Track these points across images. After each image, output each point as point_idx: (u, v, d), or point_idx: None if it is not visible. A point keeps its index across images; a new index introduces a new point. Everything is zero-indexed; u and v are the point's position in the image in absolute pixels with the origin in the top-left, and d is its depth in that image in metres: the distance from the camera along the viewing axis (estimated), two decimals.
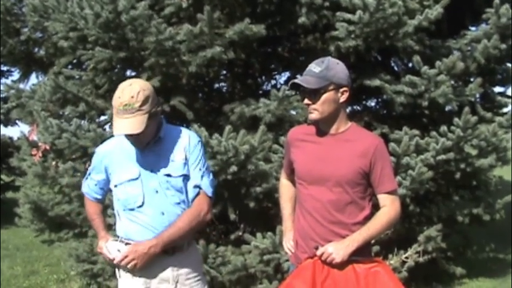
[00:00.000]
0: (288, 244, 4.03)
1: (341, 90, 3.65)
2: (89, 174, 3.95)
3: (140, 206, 3.67)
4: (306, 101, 3.69)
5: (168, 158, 3.72)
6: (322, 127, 3.76)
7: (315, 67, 3.65)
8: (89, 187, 3.98)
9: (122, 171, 3.71)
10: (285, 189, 4.21)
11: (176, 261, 3.73)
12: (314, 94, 3.63)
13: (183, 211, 3.69)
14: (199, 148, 3.83)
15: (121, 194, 3.73)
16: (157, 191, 3.67)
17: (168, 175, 3.68)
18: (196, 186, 3.77)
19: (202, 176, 3.79)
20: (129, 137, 3.59)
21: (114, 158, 3.76)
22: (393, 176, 3.80)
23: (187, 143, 3.79)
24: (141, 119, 3.48)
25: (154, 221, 3.66)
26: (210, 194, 3.81)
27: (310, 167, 3.76)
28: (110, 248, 3.72)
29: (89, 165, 4.06)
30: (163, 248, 3.60)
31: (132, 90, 3.48)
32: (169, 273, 3.71)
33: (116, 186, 3.75)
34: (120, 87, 3.54)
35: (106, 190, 3.95)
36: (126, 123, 3.46)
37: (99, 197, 3.99)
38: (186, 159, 3.75)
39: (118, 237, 3.79)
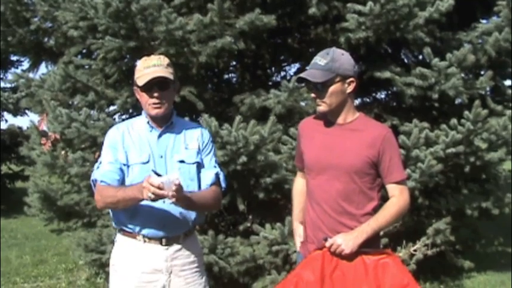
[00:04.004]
0: (298, 239, 4.04)
1: (347, 81, 3.67)
2: (100, 162, 3.79)
3: None
4: (313, 94, 3.71)
5: (182, 145, 3.77)
6: (331, 118, 3.77)
7: (320, 60, 3.67)
8: (109, 171, 3.68)
9: (133, 153, 3.71)
10: (297, 184, 4.21)
11: (170, 252, 3.71)
12: (321, 87, 3.65)
13: None
14: (211, 143, 3.95)
15: (128, 176, 3.69)
16: None
17: (182, 161, 3.72)
18: (216, 175, 3.85)
19: (217, 168, 3.90)
20: (154, 94, 3.64)
21: (126, 139, 3.75)
22: (402, 166, 3.79)
23: (200, 134, 3.88)
24: (169, 73, 3.68)
25: (155, 208, 3.61)
26: (223, 186, 3.93)
27: (317, 156, 3.77)
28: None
29: (99, 155, 4.00)
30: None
31: (158, 55, 3.83)
32: (162, 263, 3.69)
33: (125, 165, 3.70)
34: (142, 59, 3.77)
35: (122, 173, 3.71)
36: (156, 72, 3.62)
37: (118, 177, 3.69)
38: (199, 149, 3.81)
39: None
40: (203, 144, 3.85)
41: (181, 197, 3.37)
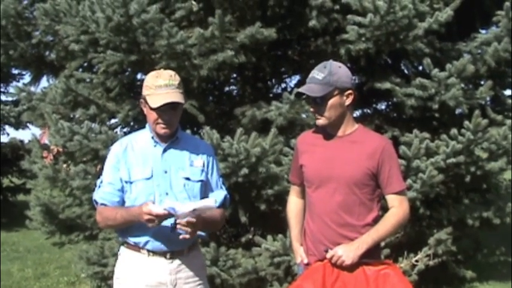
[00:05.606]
0: (299, 259, 4.03)
1: (345, 93, 3.71)
2: (101, 182, 3.80)
3: None
4: (312, 108, 3.75)
5: (186, 161, 3.77)
6: (330, 130, 3.80)
7: (318, 74, 3.70)
8: (108, 193, 3.73)
9: (136, 169, 3.70)
10: (292, 205, 4.20)
11: (174, 265, 3.72)
12: (320, 101, 3.68)
13: None
14: (216, 161, 3.98)
15: (132, 192, 3.70)
16: (167, 193, 3.67)
17: (187, 178, 3.73)
18: (225, 197, 3.92)
19: (224, 189, 3.96)
20: (165, 116, 3.63)
21: (129, 155, 3.75)
22: (401, 177, 3.82)
23: (205, 152, 3.89)
24: (181, 95, 3.64)
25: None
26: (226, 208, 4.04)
27: (318, 169, 3.79)
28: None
29: (101, 169, 4.01)
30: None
31: (169, 72, 3.72)
32: (166, 277, 3.70)
33: (126, 182, 3.71)
34: (153, 72, 3.72)
35: (123, 192, 3.76)
36: (168, 95, 3.58)
37: (118, 199, 3.75)
38: (203, 166, 3.82)
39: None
40: (208, 162, 3.87)
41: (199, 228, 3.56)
